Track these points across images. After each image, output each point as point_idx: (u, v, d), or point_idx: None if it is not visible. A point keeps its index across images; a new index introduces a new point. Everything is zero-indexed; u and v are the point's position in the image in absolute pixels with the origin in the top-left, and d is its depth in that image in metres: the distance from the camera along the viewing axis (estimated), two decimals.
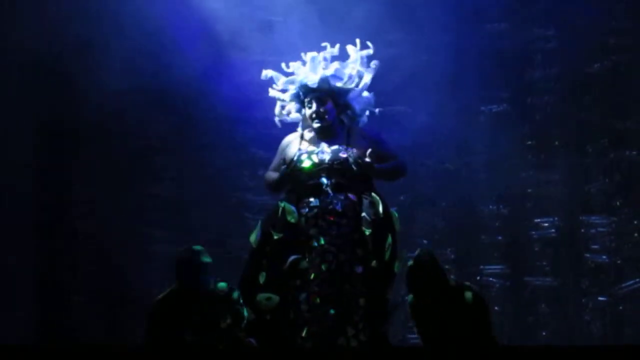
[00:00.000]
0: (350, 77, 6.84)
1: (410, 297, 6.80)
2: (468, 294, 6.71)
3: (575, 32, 9.43)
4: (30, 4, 9.36)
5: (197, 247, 7.01)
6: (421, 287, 6.67)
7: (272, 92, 6.96)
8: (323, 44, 6.92)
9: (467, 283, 6.97)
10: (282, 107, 6.98)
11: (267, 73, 6.95)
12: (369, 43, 6.92)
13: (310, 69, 6.84)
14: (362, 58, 6.89)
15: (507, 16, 9.66)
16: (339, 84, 6.82)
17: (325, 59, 6.84)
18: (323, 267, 6.52)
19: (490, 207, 9.63)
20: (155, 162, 9.73)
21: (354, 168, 6.64)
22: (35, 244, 9.44)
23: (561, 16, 9.50)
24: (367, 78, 6.89)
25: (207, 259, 6.94)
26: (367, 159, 6.61)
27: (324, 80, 6.79)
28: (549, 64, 9.61)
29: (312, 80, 6.80)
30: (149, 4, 9.19)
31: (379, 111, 7.04)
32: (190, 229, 9.27)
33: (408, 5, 9.52)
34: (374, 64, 6.90)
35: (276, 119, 7.01)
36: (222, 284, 6.95)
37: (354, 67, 6.87)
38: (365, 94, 6.93)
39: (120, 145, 9.57)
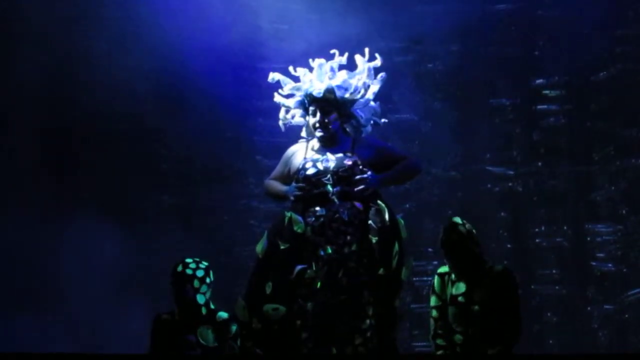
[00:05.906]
0: (356, 88, 6.78)
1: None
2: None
3: (582, 40, 9.43)
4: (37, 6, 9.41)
5: (189, 260, 6.88)
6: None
7: (277, 98, 6.94)
8: (331, 51, 6.88)
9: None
10: (287, 112, 6.96)
11: (274, 76, 6.92)
12: (377, 55, 6.89)
13: (317, 76, 6.81)
14: (369, 70, 6.84)
15: (513, 24, 9.67)
16: (344, 95, 6.78)
17: (332, 68, 6.79)
18: (330, 276, 6.50)
19: (496, 215, 9.62)
20: (161, 169, 9.73)
21: (367, 191, 6.63)
22: (40, 247, 9.45)
23: (567, 24, 9.50)
24: (374, 89, 6.86)
25: (192, 272, 6.79)
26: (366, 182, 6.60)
27: (329, 91, 6.75)
28: (556, 72, 9.61)
29: (317, 89, 6.75)
30: (157, 13, 9.20)
31: (384, 122, 7.00)
32: (196, 236, 9.27)
33: (413, 14, 9.53)
34: (381, 76, 6.87)
35: (280, 123, 6.98)
36: (222, 313, 6.84)
37: (360, 79, 6.82)
38: (371, 104, 6.88)
39: (126, 152, 9.57)
